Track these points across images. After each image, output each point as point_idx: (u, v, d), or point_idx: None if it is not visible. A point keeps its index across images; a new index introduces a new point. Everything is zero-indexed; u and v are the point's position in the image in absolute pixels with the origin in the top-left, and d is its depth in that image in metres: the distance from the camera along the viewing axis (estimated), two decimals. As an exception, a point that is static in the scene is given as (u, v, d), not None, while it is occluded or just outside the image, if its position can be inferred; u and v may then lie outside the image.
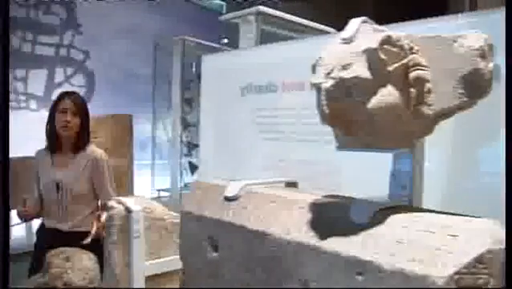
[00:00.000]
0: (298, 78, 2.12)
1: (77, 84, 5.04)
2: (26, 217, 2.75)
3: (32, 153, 4.06)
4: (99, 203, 2.80)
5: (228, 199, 1.29)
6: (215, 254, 1.28)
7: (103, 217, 2.52)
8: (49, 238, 2.65)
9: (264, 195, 1.27)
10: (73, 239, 2.54)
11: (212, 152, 2.60)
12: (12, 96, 4.49)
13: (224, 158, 2.50)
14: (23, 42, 4.63)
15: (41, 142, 4.25)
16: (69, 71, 5.04)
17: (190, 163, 5.47)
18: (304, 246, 1.08)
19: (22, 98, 4.61)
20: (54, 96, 4.82)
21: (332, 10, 6.29)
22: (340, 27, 1.12)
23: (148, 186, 5.28)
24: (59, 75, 4.96)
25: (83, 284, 1.40)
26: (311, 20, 4.13)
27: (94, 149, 2.79)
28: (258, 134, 2.31)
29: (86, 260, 1.50)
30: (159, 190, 5.26)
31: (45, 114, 4.67)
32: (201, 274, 1.33)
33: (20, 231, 3.97)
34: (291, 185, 1.51)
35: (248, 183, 1.35)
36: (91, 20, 5.13)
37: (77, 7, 5.03)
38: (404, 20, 1.88)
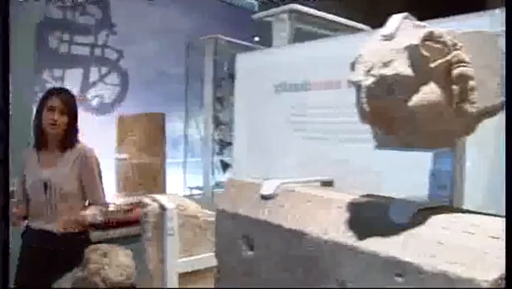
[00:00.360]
0: (334, 76, 2.10)
1: (111, 83, 5.12)
2: (17, 221, 2.59)
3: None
4: (86, 203, 2.69)
5: (264, 197, 1.28)
6: (250, 253, 1.27)
7: (87, 214, 2.59)
8: (37, 240, 2.60)
9: (300, 194, 1.26)
10: (63, 240, 2.50)
11: (245, 150, 2.60)
12: (50, 95, 4.60)
13: (257, 156, 2.50)
14: (60, 42, 4.74)
15: (79, 137, 4.37)
16: (103, 70, 5.13)
17: (222, 161, 5.50)
18: (342, 245, 1.06)
19: (59, 97, 4.70)
20: (90, 95, 4.97)
21: (365, 8, 6.22)
22: (373, 25, 1.10)
23: (180, 184, 5.33)
24: (94, 74, 5.05)
25: (120, 280, 1.42)
26: (344, 18, 4.08)
27: (82, 146, 2.69)
28: (292, 132, 2.30)
29: (122, 256, 1.52)
30: (191, 188, 5.30)
31: (81, 112, 4.83)
32: (235, 272, 1.33)
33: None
34: (327, 184, 1.49)
35: (284, 182, 1.34)
36: (125, 20, 5.20)
37: (111, 7, 5.12)
38: (438, 17, 1.84)
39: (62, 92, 2.67)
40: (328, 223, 1.11)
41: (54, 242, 2.51)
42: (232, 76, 5.59)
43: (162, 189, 4.74)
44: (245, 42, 5.36)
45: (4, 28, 1.75)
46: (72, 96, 2.70)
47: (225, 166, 5.54)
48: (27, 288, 2.56)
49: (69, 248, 2.44)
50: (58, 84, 4.72)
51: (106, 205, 2.81)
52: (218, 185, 5.44)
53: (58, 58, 4.70)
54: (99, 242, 3.43)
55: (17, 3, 3.35)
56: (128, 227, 3.96)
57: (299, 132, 2.28)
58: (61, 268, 2.37)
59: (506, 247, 0.88)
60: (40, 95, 4.54)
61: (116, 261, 1.47)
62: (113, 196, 4.63)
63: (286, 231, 1.16)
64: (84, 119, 4.76)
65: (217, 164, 5.45)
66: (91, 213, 2.62)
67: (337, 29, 3.98)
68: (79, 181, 2.63)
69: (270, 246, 1.21)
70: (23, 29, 3.47)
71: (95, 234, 3.81)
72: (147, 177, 4.71)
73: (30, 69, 3.59)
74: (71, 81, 4.78)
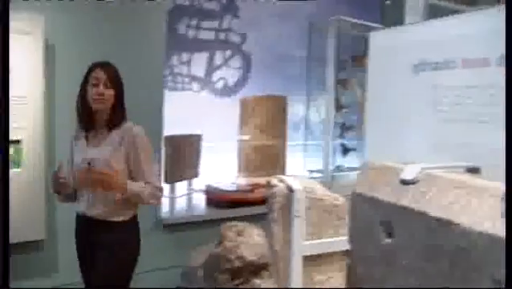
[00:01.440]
0: (482, 53, 1.91)
1: (234, 66, 5.22)
2: (60, 187, 2.42)
3: (192, 131, 4.37)
4: None
5: (405, 182, 1.20)
6: (389, 240, 1.20)
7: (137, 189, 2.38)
8: (78, 225, 2.54)
9: (446, 180, 1.15)
10: (102, 229, 2.42)
11: (378, 132, 2.49)
12: (178, 79, 4.83)
13: (392, 139, 2.37)
14: (188, 28, 4.92)
15: (199, 120, 4.56)
16: (227, 53, 5.23)
17: (343, 145, 5.39)
18: (499, 240, 0.95)
19: (186, 80, 4.91)
20: (215, 78, 5.13)
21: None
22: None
23: (300, 167, 5.32)
24: (218, 58, 5.18)
25: (254, 259, 1.42)
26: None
27: (130, 125, 2.49)
28: (433, 114, 2.15)
29: (257, 235, 1.53)
30: (310, 171, 5.27)
31: (205, 95, 5.02)
32: (371, 259, 1.27)
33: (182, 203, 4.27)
34: (473, 170, 1.36)
35: (425, 166, 1.24)
36: (249, 3, 5.26)
37: (236, -9, 5.20)
38: None
39: (105, 65, 2.48)
40: (482, 214, 1.01)
41: (92, 228, 2.45)
42: (354, 58, 5.47)
43: (282, 171, 4.77)
44: (369, 23, 5.16)
45: (4, 26, 1.73)
46: (116, 70, 2.50)
47: (346, 150, 5.44)
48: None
49: (113, 236, 2.42)
50: (185, 69, 4.92)
51: (159, 189, 2.51)
52: (338, 168, 5.35)
53: (185, 43, 4.89)
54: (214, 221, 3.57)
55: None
56: (248, 207, 4.04)
57: (442, 114, 2.12)
58: (104, 260, 2.40)
59: (506, 247, 0.88)
60: (169, 78, 4.84)
61: (251, 240, 1.48)
62: (235, 176, 4.77)
63: (432, 219, 1.08)
64: (208, 101, 4.97)
65: (337, 148, 5.36)
66: (139, 187, 2.41)
67: (473, 3, 3.66)
68: (127, 162, 2.44)
69: (412, 233, 1.13)
70: (155, 16, 3.65)
71: (212, 212, 3.97)
72: (267, 158, 4.77)
73: (160, 54, 3.78)
74: (197, 64, 4.96)
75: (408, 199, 1.15)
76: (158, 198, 2.51)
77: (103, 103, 2.39)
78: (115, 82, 2.45)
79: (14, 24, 2.88)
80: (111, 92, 2.41)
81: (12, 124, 2.81)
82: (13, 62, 2.83)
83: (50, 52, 3.16)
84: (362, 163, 1.50)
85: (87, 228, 2.47)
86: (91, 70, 2.44)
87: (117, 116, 2.46)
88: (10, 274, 1.61)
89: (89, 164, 2.34)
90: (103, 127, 2.47)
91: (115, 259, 2.42)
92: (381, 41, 2.58)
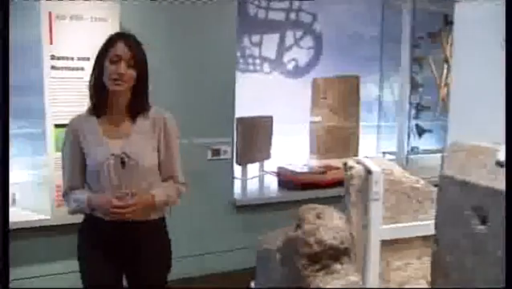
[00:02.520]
0: None
1: (305, 47, 5.14)
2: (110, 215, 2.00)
3: (263, 112, 4.36)
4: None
5: (501, 164, 1.10)
6: (482, 227, 1.11)
7: (160, 194, 2.08)
8: (113, 233, 2.06)
9: (550, 162, 1.05)
10: (144, 231, 2.10)
11: (464, 110, 2.34)
12: (249, 60, 4.82)
13: (481, 117, 2.22)
14: (258, 9, 4.89)
15: (271, 102, 4.54)
16: (298, 34, 5.16)
17: (418, 126, 5.20)
18: None
19: (257, 61, 4.90)
20: (286, 59, 5.08)
21: None
22: None
23: (373, 149, 5.19)
24: (289, 39, 5.12)
25: (335, 244, 1.38)
26: None
27: (158, 109, 2.16)
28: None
29: (337, 219, 1.48)
30: (384, 153, 5.13)
31: (276, 76, 4.99)
32: (460, 246, 1.19)
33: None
34: None
35: (524, 147, 1.13)
36: (319, -18, 5.14)
37: (307, -29, 5.10)
38: None
39: (130, 38, 2.05)
40: None
41: (131, 233, 2.07)
42: (430, 35, 5.23)
43: (355, 153, 4.67)
44: (447, -4, 4.89)
45: (5, 24, 1.64)
46: (142, 45, 2.08)
47: (422, 131, 5.24)
48: None
49: (149, 240, 2.12)
50: (256, 50, 4.90)
51: (185, 185, 2.23)
52: (413, 150, 5.17)
53: (256, 24, 4.87)
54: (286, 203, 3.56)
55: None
56: (321, 190, 3.99)
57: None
58: (149, 260, 2.13)
59: (506, 247, 0.87)
60: (241, 60, 4.84)
61: (331, 223, 1.43)
62: (307, 158, 4.72)
63: (534, 205, 0.98)
64: (280, 82, 4.94)
65: (412, 129, 5.17)
66: (165, 194, 2.13)
67: None
68: (158, 153, 2.12)
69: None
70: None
71: (284, 194, 3.95)
72: (340, 140, 4.68)
73: (233, 36, 3.77)
74: (268, 45, 4.93)
75: (504, 183, 1.06)
76: (179, 195, 2.23)
77: (121, 85, 1.97)
78: (140, 61, 2.03)
79: (90, 12, 2.98)
80: (132, 73, 1.99)
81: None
82: (91, 49, 2.94)
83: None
84: (448, 144, 1.40)
85: (120, 231, 2.06)
86: (111, 43, 2.01)
87: (139, 101, 2.07)
88: (9, 274, 1.53)
89: (122, 161, 2.01)
90: (122, 113, 2.07)
91: (161, 258, 2.21)
92: (467, 13, 2.40)
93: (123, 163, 2.01)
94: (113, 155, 2.01)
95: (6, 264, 1.54)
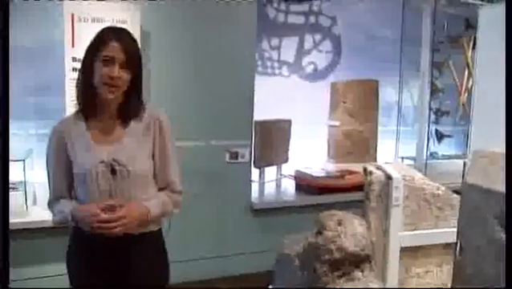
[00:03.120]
0: None
1: (325, 50, 5.13)
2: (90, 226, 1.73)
3: (281, 116, 4.35)
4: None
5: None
6: (504, 235, 1.10)
7: (153, 205, 1.84)
8: (96, 247, 1.81)
9: None
10: (140, 244, 1.87)
11: (488, 116, 2.30)
12: (268, 64, 4.83)
13: (501, 124, 2.17)
14: (278, 12, 4.89)
15: (289, 105, 4.53)
16: (317, 37, 5.15)
17: (437, 131, 5.14)
18: None
19: (276, 65, 4.90)
20: (304, 62, 5.07)
21: None
22: None
23: (392, 153, 5.14)
24: (308, 42, 5.11)
25: (355, 251, 1.37)
26: None
27: (155, 109, 1.93)
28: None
29: (357, 225, 1.47)
30: (402, 158, 5.08)
31: (295, 79, 4.98)
32: (484, 254, 1.17)
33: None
34: None
35: (550, 155, 1.12)
36: (339, -15, 5.13)
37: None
38: None
39: (123, 34, 1.80)
40: None
41: (132, 247, 1.85)
42: (451, 39, 5.17)
43: (373, 158, 4.64)
44: (469, 0, 4.83)
45: (4, 25, 1.55)
46: (135, 41, 1.84)
47: (441, 136, 5.18)
48: None
49: (148, 253, 1.90)
50: (274, 54, 4.89)
51: (180, 192, 1.98)
52: (432, 156, 5.12)
53: (275, 27, 4.87)
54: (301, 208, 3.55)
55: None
56: (338, 194, 3.96)
57: None
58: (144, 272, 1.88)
59: (506, 247, 0.88)
60: (259, 63, 4.85)
61: (352, 230, 1.42)
62: (324, 162, 4.70)
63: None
64: (298, 86, 4.93)
65: (432, 134, 5.12)
66: (161, 206, 1.89)
67: None
68: (153, 158, 1.89)
69: (535, 230, 1.02)
70: (245, 1, 3.64)
71: (301, 198, 3.94)
72: (358, 144, 4.66)
73: (252, 40, 3.77)
74: (287, 49, 4.93)
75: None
76: (180, 205, 1.99)
77: (114, 92, 1.76)
78: (135, 62, 1.80)
79: (111, 14, 3.01)
80: (127, 76, 1.77)
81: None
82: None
83: (145, 38, 3.26)
84: (471, 151, 1.38)
85: (110, 246, 1.80)
86: (103, 40, 1.76)
87: (133, 104, 1.85)
88: (9, 274, 1.47)
89: (113, 168, 1.78)
90: (113, 116, 1.85)
91: (157, 275, 1.99)
92: (491, 17, 2.36)
93: (113, 171, 1.78)
94: (103, 162, 1.78)
95: (6, 264, 1.48)
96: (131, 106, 1.84)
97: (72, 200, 1.88)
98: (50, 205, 1.92)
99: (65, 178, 1.87)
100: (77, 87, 1.84)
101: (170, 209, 1.94)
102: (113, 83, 1.73)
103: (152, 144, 1.88)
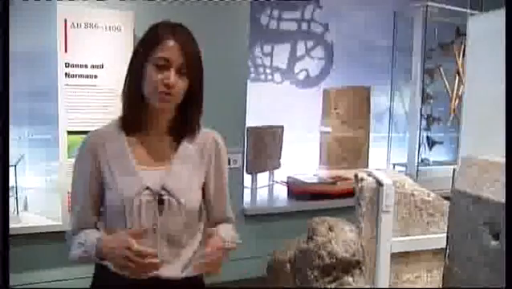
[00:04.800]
0: None
1: (317, 57, 5.15)
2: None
3: (274, 122, 4.37)
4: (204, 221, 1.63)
5: (515, 180, 1.10)
6: (494, 243, 1.11)
7: (222, 234, 1.53)
8: None
9: None
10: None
11: (477, 125, 2.32)
12: (260, 70, 4.85)
13: (493, 132, 2.20)
14: (270, 19, 4.92)
15: (281, 111, 4.55)
16: (309, 44, 5.17)
17: (428, 138, 5.17)
18: None
19: (268, 71, 4.92)
20: (297, 69, 5.09)
21: None
22: None
23: (383, 160, 5.17)
24: (300, 49, 5.14)
25: (346, 257, 1.38)
26: None
27: (209, 131, 1.63)
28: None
29: (348, 231, 1.49)
30: (394, 164, 5.11)
31: (287, 86, 4.99)
32: (472, 261, 1.19)
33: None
34: None
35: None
36: (331, -8, 5.16)
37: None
38: None
39: (181, 32, 1.50)
40: None
41: None
42: (442, 46, 5.21)
43: (365, 164, 4.67)
44: (459, 8, 4.89)
45: (4, 25, 1.42)
46: (195, 40, 1.53)
47: (432, 143, 5.21)
48: None
49: None
50: (267, 60, 4.91)
51: (233, 222, 1.73)
52: (423, 162, 5.15)
53: (268, 34, 4.89)
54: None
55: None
56: (330, 200, 3.98)
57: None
58: None
59: (506, 247, 0.89)
60: (252, 70, 4.87)
61: (343, 236, 1.44)
62: (316, 168, 4.72)
63: (547, 222, 0.98)
64: (290, 92, 4.95)
65: (423, 141, 5.16)
66: (232, 239, 1.62)
67: None
68: (203, 189, 1.58)
69: (523, 236, 1.04)
70: (239, 8, 3.67)
71: (293, 204, 3.95)
72: (350, 150, 4.69)
73: (245, 46, 3.79)
74: (280, 56, 4.95)
75: (517, 198, 1.07)
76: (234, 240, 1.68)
77: (168, 101, 1.43)
78: (196, 66, 1.48)
79: (104, 21, 3.02)
80: (184, 84, 1.44)
81: (107, 116, 2.94)
82: (104, 57, 2.97)
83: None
84: (461, 158, 1.40)
85: None
86: (157, 39, 1.45)
87: (190, 119, 1.52)
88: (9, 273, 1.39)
89: (160, 198, 1.43)
90: (162, 133, 1.53)
91: None
92: (482, 26, 2.39)
93: (161, 201, 1.43)
94: (148, 189, 1.43)
95: (6, 268, 1.32)
96: (187, 121, 1.51)
97: (97, 230, 1.49)
98: (69, 237, 1.53)
99: (94, 206, 1.50)
100: (123, 94, 1.51)
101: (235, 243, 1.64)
102: (169, 91, 1.41)
103: (205, 171, 1.57)
